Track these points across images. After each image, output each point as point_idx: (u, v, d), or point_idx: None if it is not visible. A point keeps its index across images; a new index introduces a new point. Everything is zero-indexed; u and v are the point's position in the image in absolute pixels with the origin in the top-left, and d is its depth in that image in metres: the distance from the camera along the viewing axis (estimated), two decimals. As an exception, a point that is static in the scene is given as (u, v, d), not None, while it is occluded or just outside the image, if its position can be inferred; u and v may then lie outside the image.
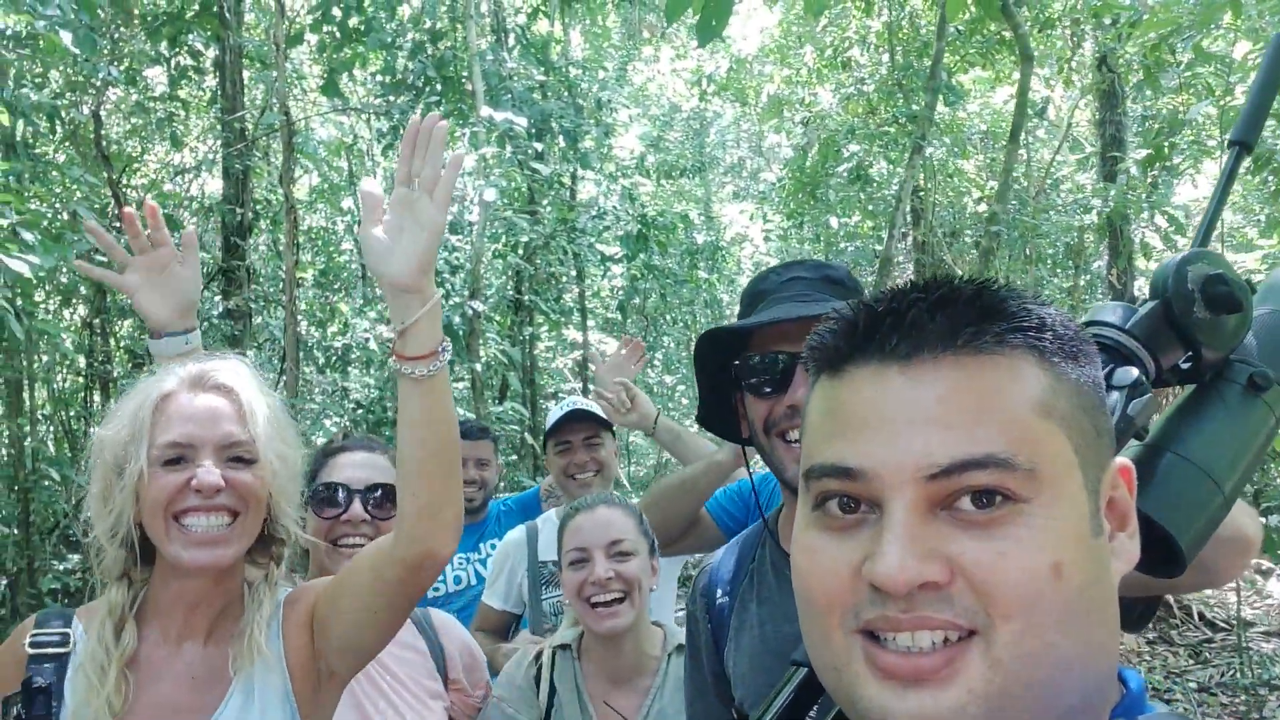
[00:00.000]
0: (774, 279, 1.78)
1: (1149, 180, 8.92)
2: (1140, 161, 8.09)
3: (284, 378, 9.78)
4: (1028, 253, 10.30)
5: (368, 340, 11.21)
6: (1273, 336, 1.09)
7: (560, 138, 11.14)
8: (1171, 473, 0.98)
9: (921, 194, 10.28)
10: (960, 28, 7.66)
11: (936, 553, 0.74)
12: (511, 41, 12.31)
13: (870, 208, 11.29)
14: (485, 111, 9.27)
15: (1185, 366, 1.05)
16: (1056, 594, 0.73)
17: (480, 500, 4.04)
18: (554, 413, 3.62)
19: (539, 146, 10.21)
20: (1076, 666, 0.75)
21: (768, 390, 1.66)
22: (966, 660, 0.73)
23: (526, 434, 10.88)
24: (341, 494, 2.35)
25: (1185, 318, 1.02)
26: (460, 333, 8.87)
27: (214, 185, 12.04)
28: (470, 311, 8.61)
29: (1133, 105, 11.69)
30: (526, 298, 11.15)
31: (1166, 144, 7.71)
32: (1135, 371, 0.96)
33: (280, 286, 12.51)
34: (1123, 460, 0.83)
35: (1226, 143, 1.17)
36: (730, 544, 1.89)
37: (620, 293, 12.97)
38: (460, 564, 3.99)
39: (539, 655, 2.43)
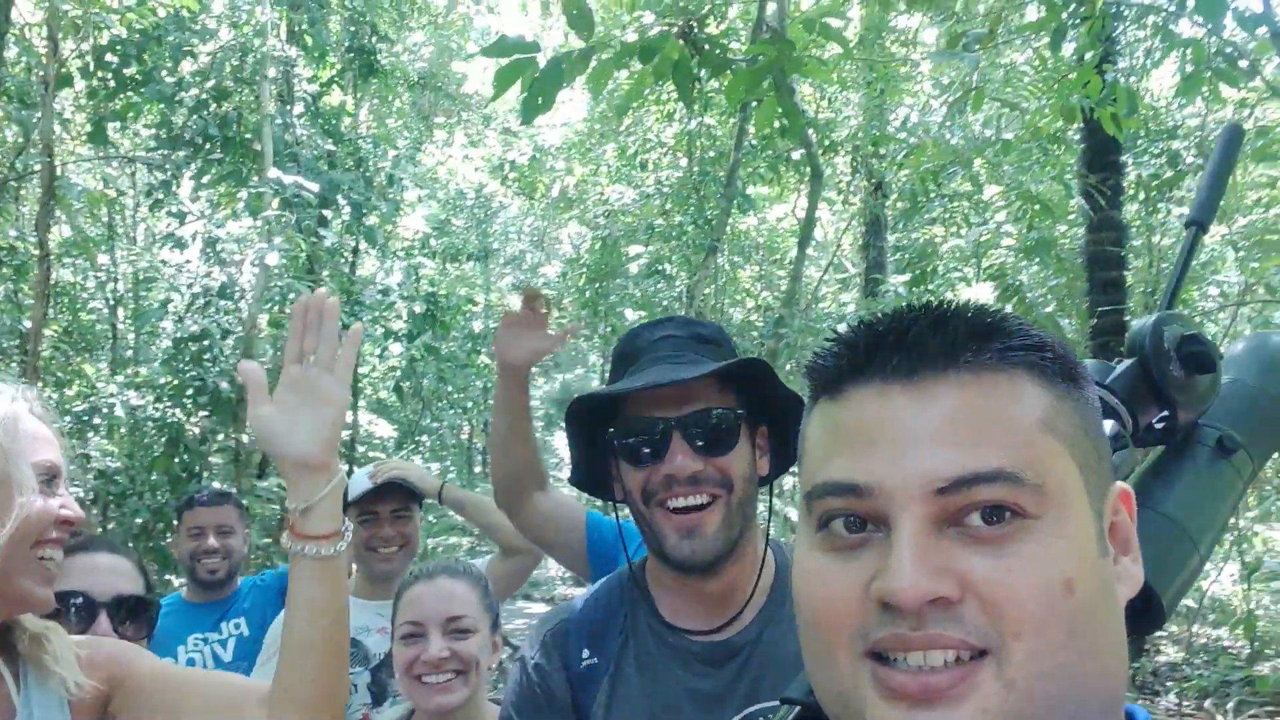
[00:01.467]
0: (644, 337, 1.73)
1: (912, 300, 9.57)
2: (907, 284, 8.73)
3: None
4: (799, 361, 10.90)
5: (114, 406, 10.40)
6: (1235, 404, 1.13)
7: (346, 209, 10.89)
8: (1150, 528, 0.99)
9: (702, 299, 10.68)
10: (754, 142, 8.11)
11: (947, 569, 0.72)
12: (300, 110, 12.02)
13: (653, 305, 11.61)
14: (274, 173, 8.94)
15: (1159, 426, 1.08)
16: (1068, 611, 0.72)
17: (224, 572, 3.62)
18: (358, 481, 3.36)
19: (327, 213, 9.92)
20: (1089, 686, 0.74)
21: (644, 458, 1.59)
22: (979, 679, 0.71)
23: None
24: (82, 603, 2.01)
25: (1162, 376, 1.05)
26: (228, 399, 8.35)
27: (-51, 226, 10.95)
28: (241, 379, 8.12)
29: (892, 234, 12.68)
30: (298, 370, 10.64)
31: (928, 269, 8.37)
32: (1114, 425, 0.98)
33: (17, 341, 11.48)
34: (1123, 485, 0.84)
35: (1185, 222, 1.23)
36: (590, 597, 1.79)
37: (397, 373, 12.65)
38: (195, 645, 3.55)
39: None
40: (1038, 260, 9.09)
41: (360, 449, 12.67)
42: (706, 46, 5.02)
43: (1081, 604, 0.73)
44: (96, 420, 10.60)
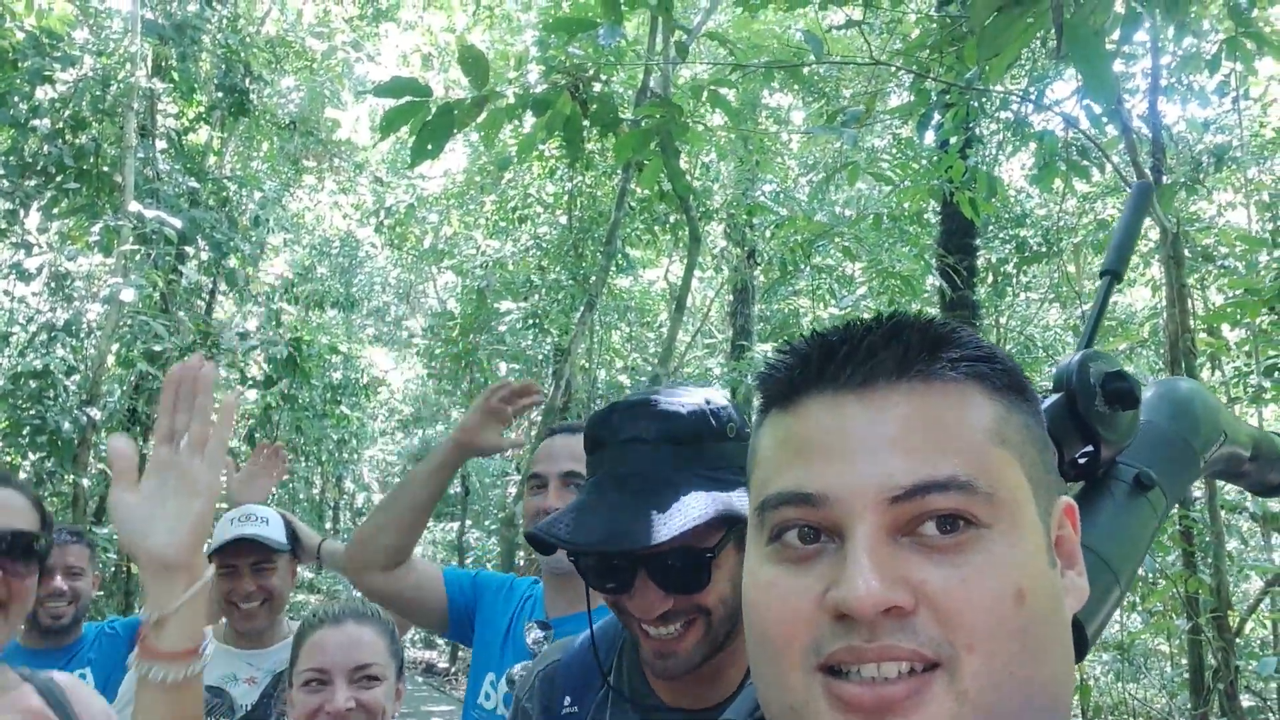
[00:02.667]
0: (612, 431, 1.54)
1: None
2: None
3: None
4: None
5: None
6: (1149, 445, 1.17)
7: (205, 249, 10.54)
8: None
9: (575, 357, 10.71)
10: (633, 204, 8.24)
11: (902, 579, 0.72)
12: (163, 145, 11.63)
13: (526, 358, 11.57)
14: (134, 207, 8.59)
15: (1081, 461, 1.10)
16: (1020, 621, 0.73)
17: (69, 618, 3.36)
18: (219, 531, 3.18)
19: (188, 250, 9.57)
20: (1039, 696, 0.74)
21: (611, 590, 1.49)
22: (932, 692, 0.71)
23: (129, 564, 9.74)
24: None
25: (1087, 411, 1.07)
26: (69, 440, 7.88)
27: None
28: (84, 419, 7.69)
29: (758, 304, 13.01)
30: (144, 411, 10.18)
31: (792, 337, 8.55)
32: None
33: None
34: (1068, 499, 0.86)
35: (1100, 272, 1.29)
36: (585, 639, 1.71)
37: (250, 421, 12.18)
38: None
39: None
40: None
41: (224, 479, 12.07)
42: (596, 105, 5.09)
43: (1033, 614, 0.74)
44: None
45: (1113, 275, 1.28)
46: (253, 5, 13.91)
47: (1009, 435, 0.78)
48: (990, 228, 11.49)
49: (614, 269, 8.84)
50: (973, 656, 0.71)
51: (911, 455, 0.75)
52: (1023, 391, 0.82)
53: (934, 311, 10.21)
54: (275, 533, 3.14)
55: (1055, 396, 1.10)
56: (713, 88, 5.13)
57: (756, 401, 0.89)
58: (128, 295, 8.01)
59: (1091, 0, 2.74)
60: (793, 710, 0.75)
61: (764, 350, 9.83)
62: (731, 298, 11.74)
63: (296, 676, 2.08)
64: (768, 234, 9.38)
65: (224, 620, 3.22)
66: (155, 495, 1.36)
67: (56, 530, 3.53)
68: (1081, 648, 0.97)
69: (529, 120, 5.08)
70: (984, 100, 7.09)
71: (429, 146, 4.48)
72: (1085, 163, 7.49)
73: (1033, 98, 7.18)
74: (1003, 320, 12.40)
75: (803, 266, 8.67)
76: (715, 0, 6.23)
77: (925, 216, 10.82)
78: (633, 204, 7.74)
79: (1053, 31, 2.81)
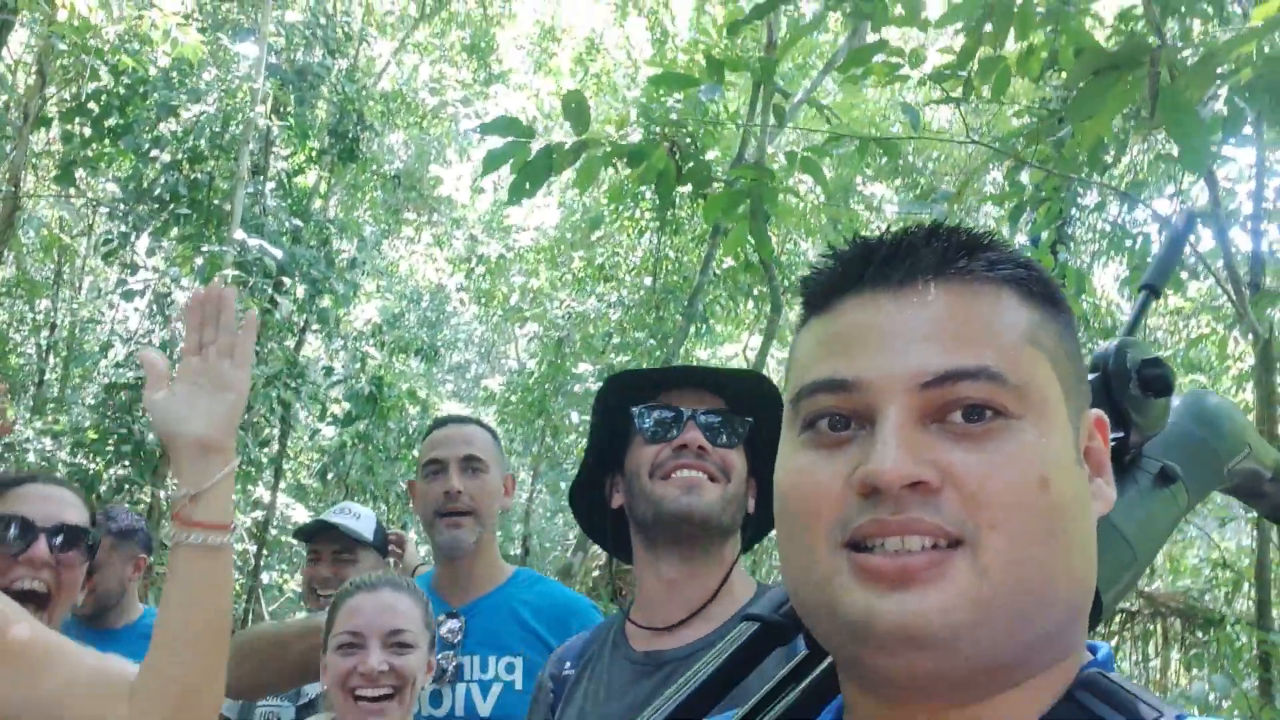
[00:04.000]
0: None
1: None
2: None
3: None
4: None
5: (26, 451, 10.07)
6: (1175, 444, 1.18)
7: (300, 286, 10.87)
8: (1098, 532, 1.07)
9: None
10: (718, 271, 8.33)
11: (928, 459, 0.75)
12: (273, 184, 12.10)
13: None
14: (239, 235, 8.94)
15: (1111, 444, 1.14)
16: (1043, 506, 0.75)
17: (92, 608, 3.31)
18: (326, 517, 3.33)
19: (285, 282, 9.89)
20: (1058, 584, 0.76)
21: (660, 433, 1.80)
22: (954, 566, 0.74)
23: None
24: (16, 529, 1.99)
25: (1121, 394, 1.09)
26: (152, 452, 8.11)
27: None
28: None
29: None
30: (226, 438, 10.41)
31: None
32: None
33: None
34: (1098, 412, 0.87)
35: (1139, 286, 1.33)
36: (579, 636, 1.98)
37: (325, 458, 12.41)
38: None
39: None
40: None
41: (273, 531, 12.30)
42: (690, 162, 5.20)
43: (1056, 501, 0.75)
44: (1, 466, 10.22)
45: (1150, 290, 1.32)
46: (372, 62, 14.52)
47: (1042, 338, 0.81)
48: (1080, 335, 11.31)
49: (694, 334, 8.91)
50: (995, 534, 0.73)
51: (944, 345, 0.77)
52: (1057, 304, 0.85)
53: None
54: (363, 528, 3.24)
55: (1091, 378, 1.12)
56: (808, 154, 5.19)
57: (797, 311, 0.92)
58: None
59: (1189, 71, 2.74)
60: (819, 585, 0.78)
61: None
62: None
63: (332, 640, 2.13)
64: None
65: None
66: (189, 394, 1.54)
67: (114, 514, 3.63)
68: (1097, 611, 0.97)
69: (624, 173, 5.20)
70: (1079, 197, 7.06)
71: (528, 185, 4.62)
72: (1182, 273, 7.40)
73: (1128, 193, 7.11)
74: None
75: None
76: (821, 74, 6.35)
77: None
78: (717, 272, 7.85)
79: (1147, 108, 2.83)
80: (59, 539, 2.01)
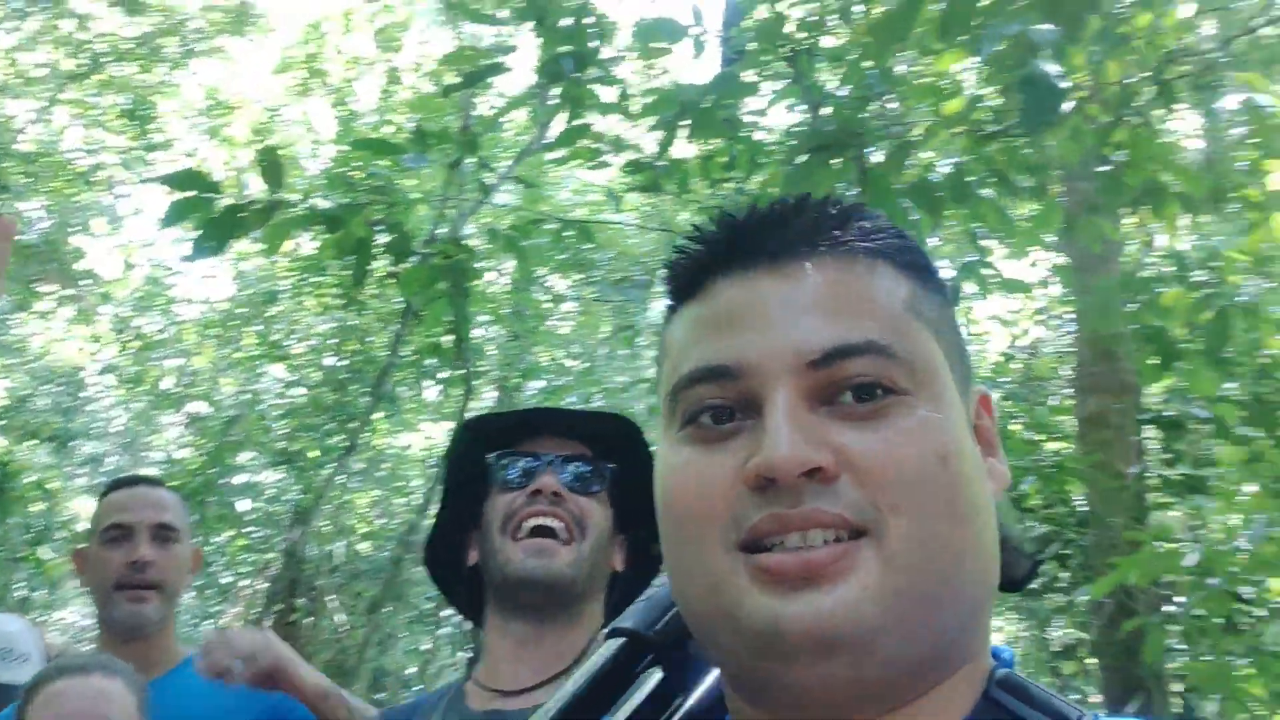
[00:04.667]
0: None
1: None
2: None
3: None
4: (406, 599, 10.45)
5: None
6: None
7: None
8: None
9: (321, 511, 10.13)
10: (405, 353, 8.05)
11: (822, 442, 0.70)
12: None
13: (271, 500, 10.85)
14: None
15: None
16: (945, 483, 0.71)
17: None
18: None
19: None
20: (968, 566, 0.72)
21: (516, 481, 1.72)
22: (860, 558, 0.68)
23: None
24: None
25: None
26: None
27: None
28: None
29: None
30: None
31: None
32: None
33: None
34: (983, 389, 0.85)
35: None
36: (415, 701, 1.92)
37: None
38: None
39: None
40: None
41: None
42: (392, 234, 5.01)
43: (958, 478, 0.72)
44: None
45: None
46: (9, 120, 13.11)
47: (924, 310, 0.77)
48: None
49: (382, 416, 8.54)
50: (899, 518, 0.69)
51: (827, 320, 0.73)
52: (933, 274, 0.82)
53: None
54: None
55: None
56: (510, 232, 5.16)
57: (665, 304, 0.85)
58: None
59: (896, 158, 2.94)
60: (713, 591, 0.71)
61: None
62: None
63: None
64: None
65: None
66: None
67: None
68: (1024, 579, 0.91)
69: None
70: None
71: (213, 243, 4.28)
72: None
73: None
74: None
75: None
76: (524, 152, 6.39)
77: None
78: (403, 354, 7.61)
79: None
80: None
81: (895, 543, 0.68)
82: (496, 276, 8.85)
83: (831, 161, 2.95)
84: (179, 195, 4.09)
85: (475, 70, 4.32)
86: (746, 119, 5.96)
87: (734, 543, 0.70)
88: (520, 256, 5.29)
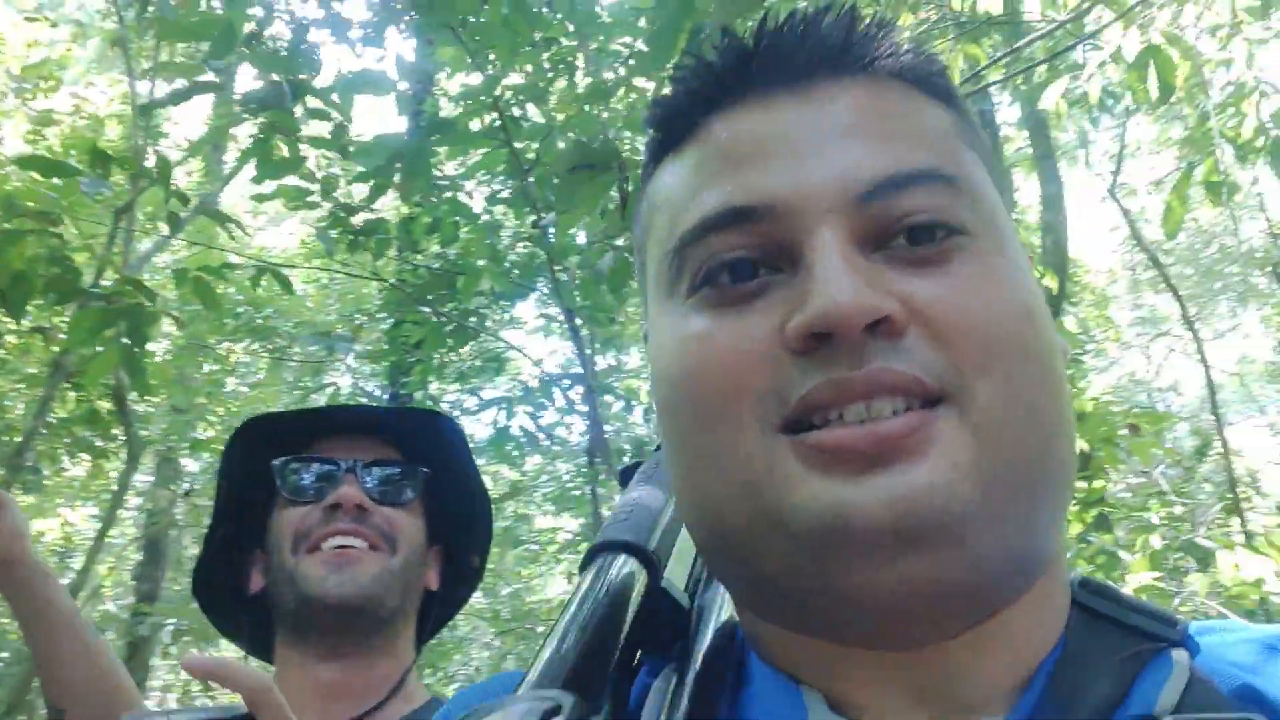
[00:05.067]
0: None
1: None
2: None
3: None
4: None
5: None
6: None
7: None
8: None
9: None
10: (55, 417, 6.88)
11: (884, 290, 0.54)
12: None
13: None
14: None
15: None
16: (1033, 341, 0.56)
17: None
18: None
19: None
20: (1061, 441, 0.57)
21: (309, 492, 1.46)
22: (941, 428, 0.53)
23: None
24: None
25: None
26: None
27: None
28: None
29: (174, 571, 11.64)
30: None
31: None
32: None
33: None
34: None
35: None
36: None
37: None
38: None
39: None
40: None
41: None
42: (54, 266, 4.37)
43: (1043, 334, 0.57)
44: None
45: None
46: None
47: (973, 141, 0.64)
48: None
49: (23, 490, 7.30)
50: (985, 381, 0.54)
51: (875, 145, 0.58)
52: (964, 106, 0.67)
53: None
54: None
55: None
56: (201, 273, 4.64)
57: (644, 159, 0.69)
58: None
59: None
60: (751, 487, 0.54)
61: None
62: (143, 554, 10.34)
63: None
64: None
65: None
66: None
67: None
68: None
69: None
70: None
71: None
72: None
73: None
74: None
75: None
76: (224, 182, 5.83)
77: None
78: (52, 419, 6.57)
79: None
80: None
81: (983, 411, 0.53)
82: (159, 340, 8.03)
83: (598, 177, 2.87)
84: None
85: (179, 91, 3.87)
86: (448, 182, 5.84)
87: (775, 423, 0.54)
88: (212, 304, 4.77)
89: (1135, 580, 4.34)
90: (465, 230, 6.09)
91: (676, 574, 0.67)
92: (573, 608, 0.61)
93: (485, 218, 6.27)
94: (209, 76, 4.16)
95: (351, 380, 8.80)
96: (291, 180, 4.62)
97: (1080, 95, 5.35)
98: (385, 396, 7.84)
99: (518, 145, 4.48)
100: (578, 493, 9.99)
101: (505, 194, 6.10)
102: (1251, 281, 13.58)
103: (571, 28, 4.70)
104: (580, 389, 6.77)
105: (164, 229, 5.65)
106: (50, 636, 1.54)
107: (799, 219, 0.56)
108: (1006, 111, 9.36)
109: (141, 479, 9.95)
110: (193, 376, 8.62)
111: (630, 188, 2.76)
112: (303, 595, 1.40)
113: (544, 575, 12.27)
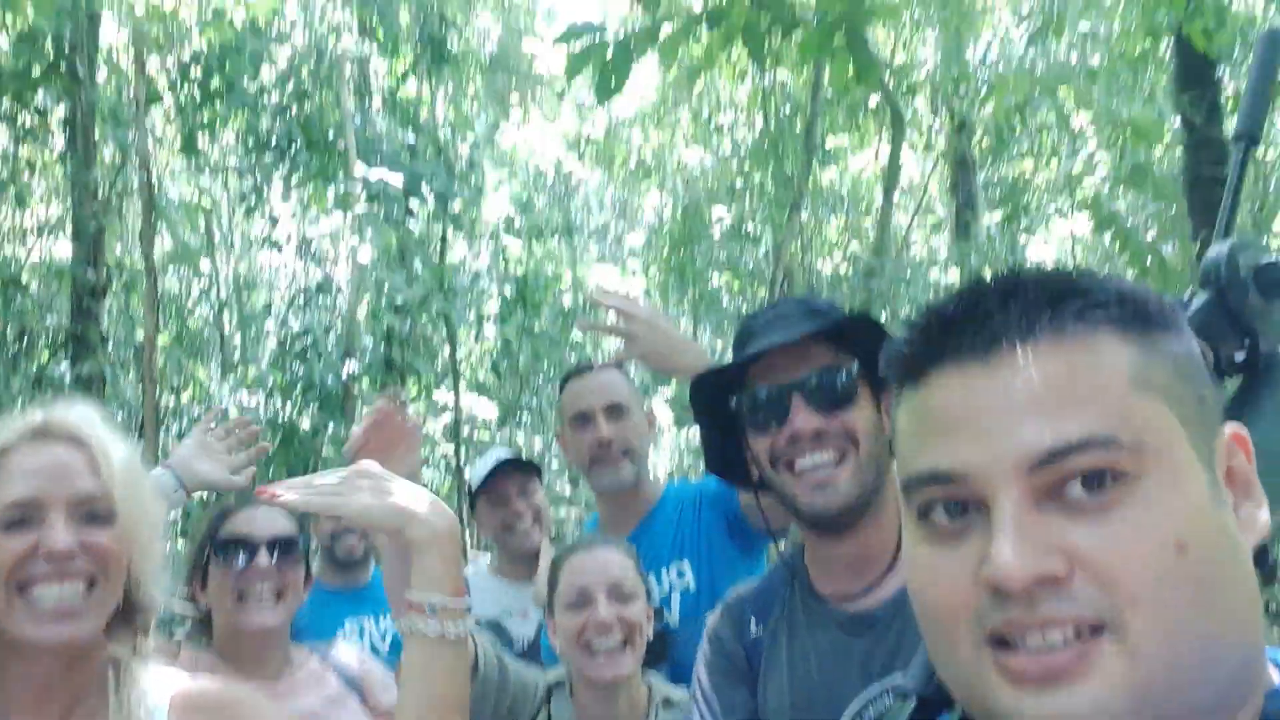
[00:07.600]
0: (759, 319, 1.79)
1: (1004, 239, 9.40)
2: (1000, 221, 8.52)
3: (142, 446, 9.31)
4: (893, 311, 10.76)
5: (226, 409, 10.78)
6: None
7: (430, 198, 11.06)
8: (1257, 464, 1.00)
9: (789, 256, 10.59)
10: (830, 93, 8.01)
11: (1052, 546, 0.71)
12: (378, 104, 12.20)
13: (739, 267, 11.56)
14: (360, 169, 9.13)
15: (1239, 359, 1.06)
16: (1184, 572, 0.70)
17: (360, 551, 3.50)
18: (481, 467, 3.41)
19: (413, 204, 10.10)
20: (1219, 646, 0.71)
21: (768, 422, 1.65)
22: (1100, 654, 0.70)
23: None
24: (244, 548, 2.36)
25: (1240, 306, 1.03)
26: (335, 393, 8.60)
27: (62, 248, 11.41)
28: (345, 372, 8.36)
29: (981, 172, 12.37)
30: (397, 359, 10.93)
31: (1020, 204, 8.14)
32: None
33: (133, 352, 11.96)
34: (1235, 425, 0.81)
35: (1233, 137, 1.19)
36: (763, 574, 1.91)
37: (493, 355, 12.84)
38: (352, 629, 3.43)
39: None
40: (1134, 187, 8.78)
41: (465, 429, 12.89)
42: (770, 7, 4.94)
43: (1199, 562, 0.70)
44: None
45: (1248, 139, 1.18)
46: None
47: (1152, 378, 0.75)
48: (1235, 54, 10.34)
49: (816, 164, 8.63)
50: (1138, 612, 0.69)
51: (1045, 417, 0.72)
52: (1165, 324, 0.78)
53: (1177, 156, 9.33)
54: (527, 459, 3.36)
55: (1204, 296, 1.04)
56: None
57: (893, 381, 0.88)
58: (365, 254, 8.59)
59: None
60: (967, 685, 0.77)
61: (989, 223, 9.38)
62: (948, 172, 11.21)
63: (559, 600, 2.21)
64: (979, 101, 8.87)
65: (491, 556, 3.46)
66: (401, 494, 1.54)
67: None
68: (1266, 568, 0.92)
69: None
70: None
71: (612, 83, 4.52)
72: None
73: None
74: (1260, 152, 11.21)
75: (1019, 131, 8.18)
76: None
77: (1158, 54, 9.87)
78: (828, 94, 7.50)
79: None
80: (279, 550, 2.38)
81: (1137, 636, 0.69)
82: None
83: None
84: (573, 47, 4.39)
85: None
86: None
87: (980, 639, 0.74)
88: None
89: None
90: None
91: None
92: None
93: None
94: None
95: None
96: None
97: None
98: None
99: None
100: None
101: None
102: None
103: None
104: None
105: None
106: None
107: (984, 483, 0.74)
108: None
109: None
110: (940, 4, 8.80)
111: None
112: (796, 508, 1.67)
113: None
